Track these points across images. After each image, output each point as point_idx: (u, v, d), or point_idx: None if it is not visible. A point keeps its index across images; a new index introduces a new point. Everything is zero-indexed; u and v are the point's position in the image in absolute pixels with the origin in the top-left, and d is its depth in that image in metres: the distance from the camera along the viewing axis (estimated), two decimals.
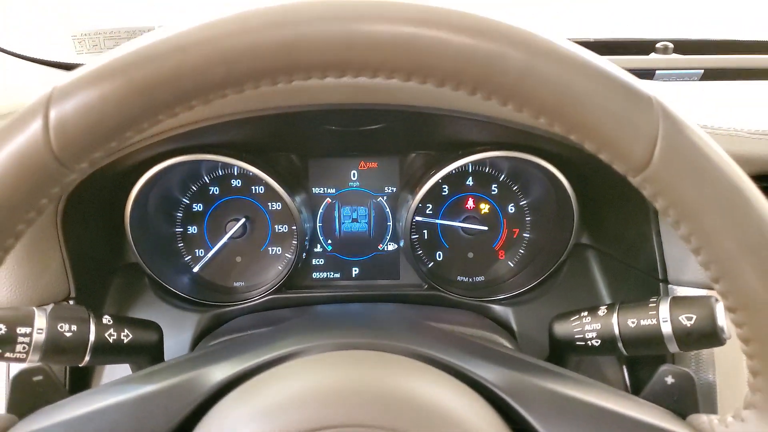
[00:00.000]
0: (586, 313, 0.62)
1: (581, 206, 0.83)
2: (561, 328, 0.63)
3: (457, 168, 0.80)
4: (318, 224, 0.90)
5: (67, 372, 0.70)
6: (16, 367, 0.66)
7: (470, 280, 0.91)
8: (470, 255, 0.90)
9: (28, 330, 0.54)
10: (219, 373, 0.44)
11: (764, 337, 0.34)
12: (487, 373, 0.44)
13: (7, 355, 0.54)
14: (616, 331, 0.58)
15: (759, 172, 0.64)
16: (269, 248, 0.88)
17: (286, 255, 0.88)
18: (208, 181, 0.86)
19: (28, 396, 0.46)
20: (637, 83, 0.33)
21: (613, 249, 0.82)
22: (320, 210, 0.90)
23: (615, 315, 0.59)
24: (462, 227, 0.89)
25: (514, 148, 0.79)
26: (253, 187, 0.86)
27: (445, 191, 0.88)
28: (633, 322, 0.58)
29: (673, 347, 0.56)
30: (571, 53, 0.32)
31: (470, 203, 0.89)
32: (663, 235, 0.70)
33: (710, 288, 0.38)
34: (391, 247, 0.92)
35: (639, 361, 0.74)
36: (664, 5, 1.38)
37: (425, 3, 0.32)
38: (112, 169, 0.70)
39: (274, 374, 0.42)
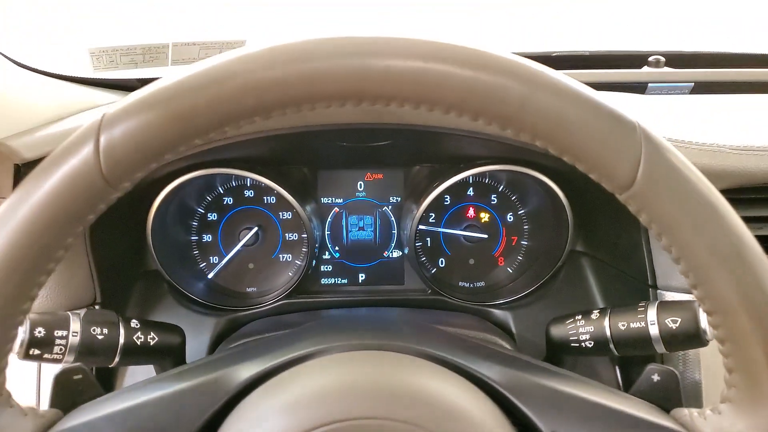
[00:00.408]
0: (580, 317, 0.64)
1: (576, 216, 0.84)
2: (557, 331, 0.65)
3: (459, 180, 0.82)
4: (326, 232, 0.92)
5: (93, 372, 0.73)
6: (48, 368, 0.69)
7: (471, 285, 0.93)
8: (471, 261, 0.92)
9: (64, 333, 0.57)
10: (245, 371, 0.46)
11: (737, 338, 0.36)
12: (490, 372, 0.46)
13: (46, 356, 0.56)
14: (608, 334, 0.60)
15: (741, 185, 0.65)
16: (280, 255, 0.90)
17: (296, 262, 0.90)
18: (222, 191, 0.87)
19: (69, 393, 0.48)
20: (622, 111, 0.36)
21: (606, 256, 0.84)
22: (329, 219, 0.92)
23: (607, 318, 0.61)
24: (463, 235, 0.91)
25: (513, 162, 0.81)
26: (265, 198, 0.88)
27: (447, 201, 0.90)
28: (623, 325, 0.60)
29: (660, 348, 0.58)
30: (564, 85, 0.35)
31: (471, 212, 0.91)
32: (652, 243, 0.72)
33: None
34: (396, 254, 0.93)
35: (630, 361, 0.76)
36: (658, 16, 1.40)
37: (434, 39, 0.35)
38: (136, 184, 0.73)
39: (297, 372, 0.45)
